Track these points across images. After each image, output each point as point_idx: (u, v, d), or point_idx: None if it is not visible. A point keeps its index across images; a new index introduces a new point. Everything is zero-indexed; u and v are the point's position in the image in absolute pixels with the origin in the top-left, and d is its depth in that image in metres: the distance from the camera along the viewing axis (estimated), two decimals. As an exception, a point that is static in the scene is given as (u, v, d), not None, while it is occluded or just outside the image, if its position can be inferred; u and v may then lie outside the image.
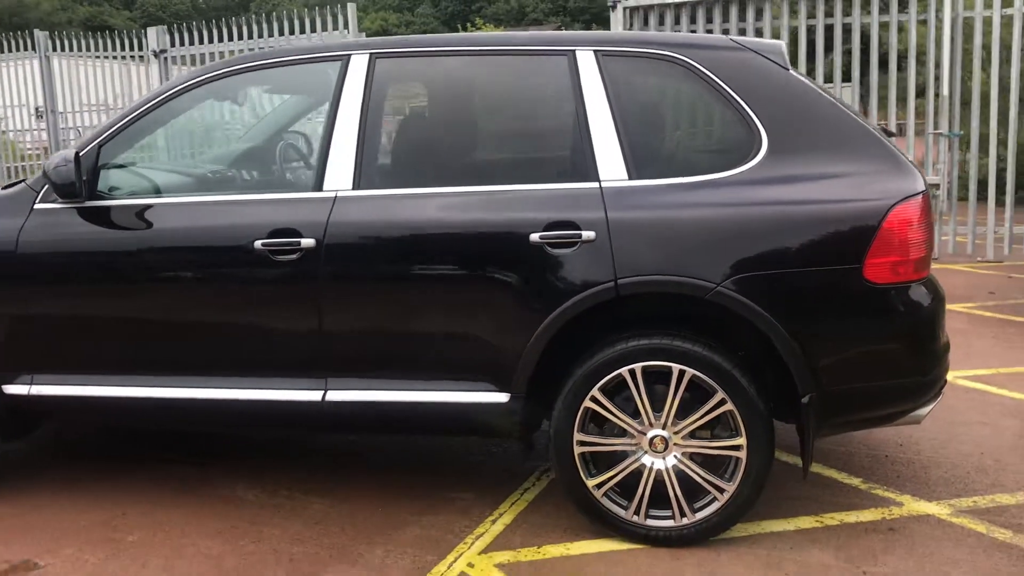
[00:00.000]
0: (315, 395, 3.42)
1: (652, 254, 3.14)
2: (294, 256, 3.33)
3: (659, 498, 3.26)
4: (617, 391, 3.23)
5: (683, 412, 3.20)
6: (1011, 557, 3.14)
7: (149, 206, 3.52)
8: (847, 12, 8.78)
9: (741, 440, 3.16)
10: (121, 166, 3.63)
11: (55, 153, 3.48)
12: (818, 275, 3.10)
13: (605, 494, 3.30)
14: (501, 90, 3.50)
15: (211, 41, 11.65)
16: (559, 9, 79.59)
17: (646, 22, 9.41)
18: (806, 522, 3.44)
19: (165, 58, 11.94)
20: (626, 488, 3.29)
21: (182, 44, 11.86)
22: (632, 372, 3.18)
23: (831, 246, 3.10)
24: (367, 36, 11.01)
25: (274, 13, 11.49)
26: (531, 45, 3.45)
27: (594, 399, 3.23)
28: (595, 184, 3.23)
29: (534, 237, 3.19)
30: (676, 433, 3.21)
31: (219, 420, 3.68)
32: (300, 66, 3.59)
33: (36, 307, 3.59)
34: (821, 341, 3.11)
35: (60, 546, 3.43)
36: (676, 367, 3.15)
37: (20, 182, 3.81)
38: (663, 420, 3.21)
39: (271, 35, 11.24)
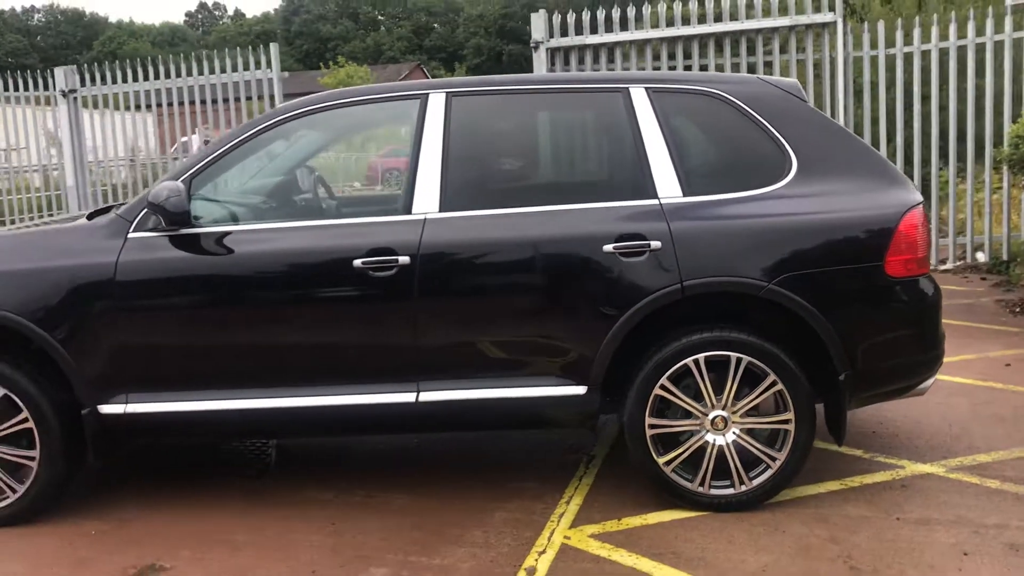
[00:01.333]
0: (409, 397, 3.79)
1: (711, 259, 3.69)
2: (391, 272, 3.72)
3: (719, 470, 3.78)
4: (681, 379, 3.75)
5: (739, 394, 3.73)
6: (1007, 500, 3.81)
7: (248, 231, 3.84)
8: (751, 52, 9.66)
9: (790, 415, 3.72)
10: (210, 196, 3.92)
11: (158, 184, 3.75)
12: (848, 272, 3.71)
13: (673, 469, 3.80)
14: (566, 122, 4.01)
15: (124, 80, 11.64)
16: (415, 48, 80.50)
17: (567, 62, 10.06)
18: (832, 485, 4.02)
19: (75, 98, 11.84)
20: (690, 463, 3.79)
21: (92, 84, 11.80)
22: (696, 361, 3.71)
23: (858, 248, 3.72)
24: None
25: (193, 54, 11.58)
26: (589, 83, 3.97)
27: (663, 387, 3.73)
28: (655, 201, 3.76)
29: (607, 248, 3.69)
30: (734, 412, 3.75)
31: (318, 427, 3.99)
32: (382, 103, 3.99)
33: (133, 330, 3.83)
34: (853, 327, 3.71)
35: (176, 549, 3.67)
36: (734, 355, 3.70)
37: (101, 211, 4.05)
38: (723, 402, 3.74)
39: (190, 74, 11.36)
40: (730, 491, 3.79)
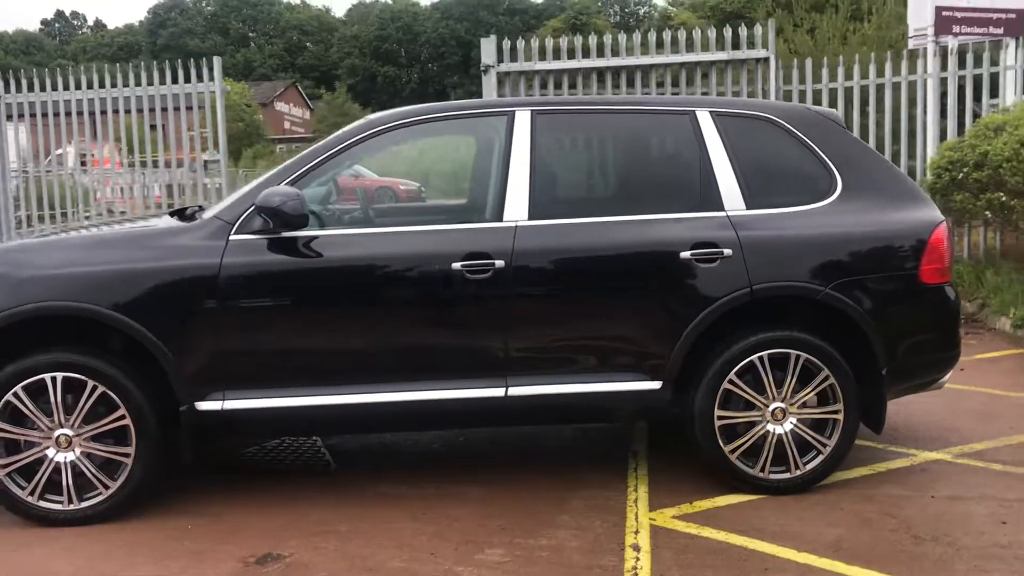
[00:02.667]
0: (499, 392, 4.07)
1: (776, 266, 4.13)
2: (486, 275, 4.00)
3: (776, 456, 4.21)
4: (744, 374, 4.16)
5: (796, 387, 4.17)
6: (1015, 479, 4.37)
7: (349, 235, 4.06)
8: (690, 83, 10.30)
9: (840, 406, 4.18)
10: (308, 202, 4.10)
11: (268, 190, 3.91)
12: (889, 279, 4.22)
13: (738, 457, 4.19)
14: (638, 139, 4.37)
15: (55, 89, 11.38)
16: (287, 66, 79.56)
17: (515, 87, 10.46)
18: (862, 471, 4.50)
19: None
20: (751, 450, 4.20)
21: (18, 91, 11.48)
22: (761, 358, 4.13)
23: (897, 257, 4.23)
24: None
25: (131, 62, 11.41)
26: (660, 106, 4.37)
27: (731, 381, 4.14)
28: (722, 213, 4.18)
29: (684, 255, 4.08)
30: (792, 404, 4.18)
31: (411, 422, 4.22)
32: (473, 119, 4.28)
33: (234, 329, 3.97)
34: (893, 327, 4.21)
35: (283, 540, 3.82)
36: (794, 352, 4.14)
37: (181, 212, 4.18)
38: (783, 395, 4.17)
39: (127, 84, 11.20)
40: (786, 475, 4.21)
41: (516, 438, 5.15)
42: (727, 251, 4.09)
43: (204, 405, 3.98)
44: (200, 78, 11.02)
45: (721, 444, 4.16)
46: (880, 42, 14.51)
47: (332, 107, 52.34)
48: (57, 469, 3.95)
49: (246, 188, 4.13)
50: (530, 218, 4.10)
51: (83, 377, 3.88)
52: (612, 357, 4.13)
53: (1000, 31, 10.46)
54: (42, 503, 3.95)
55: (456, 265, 3.99)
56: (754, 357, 4.13)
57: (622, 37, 10.18)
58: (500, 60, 10.34)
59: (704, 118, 4.30)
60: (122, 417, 3.92)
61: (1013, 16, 10.56)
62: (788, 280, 4.12)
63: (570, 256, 4.09)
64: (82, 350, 3.93)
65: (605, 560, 3.60)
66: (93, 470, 3.94)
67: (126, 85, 11.23)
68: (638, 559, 3.59)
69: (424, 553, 3.68)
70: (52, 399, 3.89)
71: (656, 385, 4.14)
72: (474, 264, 3.99)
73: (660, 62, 10.16)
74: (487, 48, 10.39)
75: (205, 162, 11.29)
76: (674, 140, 4.33)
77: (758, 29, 10.06)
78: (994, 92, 9.91)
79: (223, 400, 3.98)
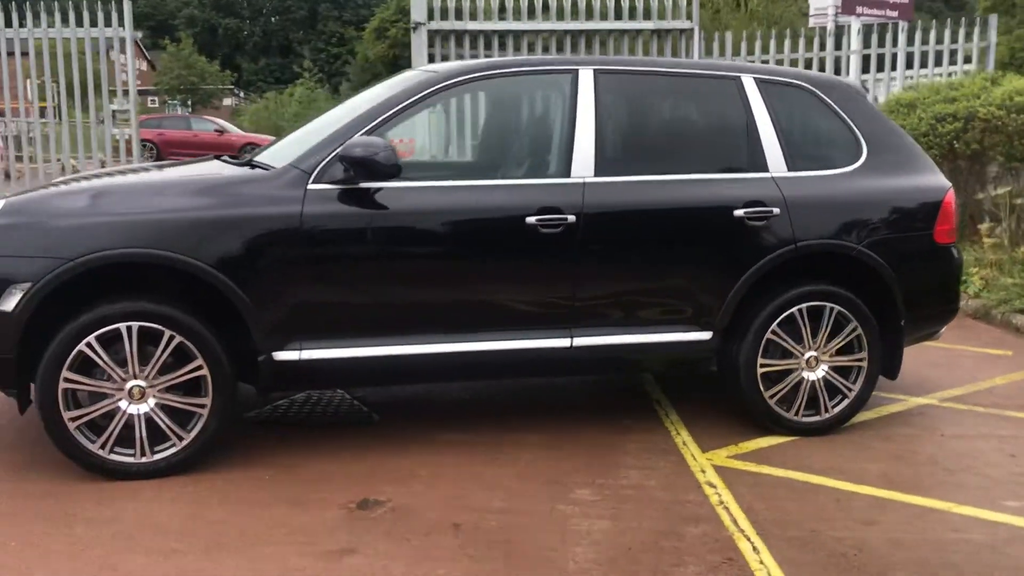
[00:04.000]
0: (564, 342, 4.25)
1: (817, 225, 4.46)
2: (557, 230, 4.15)
3: (809, 400, 4.56)
4: (783, 325, 4.48)
5: (827, 337, 4.53)
6: (1000, 420, 4.90)
7: (426, 188, 4.10)
8: (618, 50, 10.59)
9: (864, 355, 4.58)
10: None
11: (354, 140, 3.90)
12: (910, 238, 4.63)
13: (776, 401, 4.53)
14: (691, 102, 4.59)
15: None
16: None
17: (445, 45, 10.48)
18: (869, 415, 4.91)
19: None
20: (785, 397, 4.54)
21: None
22: (800, 310, 4.47)
23: (917, 218, 4.64)
24: None
25: (41, 3, 10.73)
26: (709, 70, 4.60)
27: (774, 332, 4.46)
28: (768, 174, 4.47)
29: (737, 212, 4.35)
30: (824, 353, 4.54)
31: (479, 371, 4.32)
32: (539, 75, 4.39)
33: (313, 278, 3.96)
34: (912, 282, 4.62)
35: (374, 485, 3.88)
36: (828, 305, 4.49)
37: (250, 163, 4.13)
38: (817, 345, 4.52)
39: (37, 24, 10.53)
40: (816, 418, 4.58)
41: (536, 391, 5.32)
42: (775, 210, 4.38)
43: (282, 355, 3.96)
44: (108, 22, 10.46)
45: (762, 390, 4.47)
46: (768, 18, 15.25)
47: (178, 59, 50.00)
48: (129, 421, 3.84)
49: (320, 138, 4.09)
50: (596, 175, 4.26)
51: (160, 327, 3.79)
52: (668, 309, 4.36)
53: (895, 14, 11.27)
54: (113, 456, 3.85)
55: (530, 219, 4.11)
56: (794, 309, 4.45)
57: (553, 1, 10.35)
58: (431, 17, 10.30)
59: (749, 83, 4.56)
60: (199, 368, 3.85)
61: (904, 1, 11.38)
62: (828, 238, 4.46)
63: (634, 212, 4.28)
64: (158, 299, 3.83)
65: (690, 496, 3.85)
66: (168, 422, 3.86)
67: (22, 26, 10.53)
68: (719, 494, 3.86)
69: (517, 494, 3.83)
70: (128, 349, 3.78)
71: (707, 336, 4.40)
72: (547, 218, 4.12)
73: (591, 28, 10.40)
74: (417, 4, 10.34)
75: (113, 112, 10.74)
76: (722, 104, 4.56)
77: (683, 0, 10.44)
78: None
79: (300, 350, 3.97)
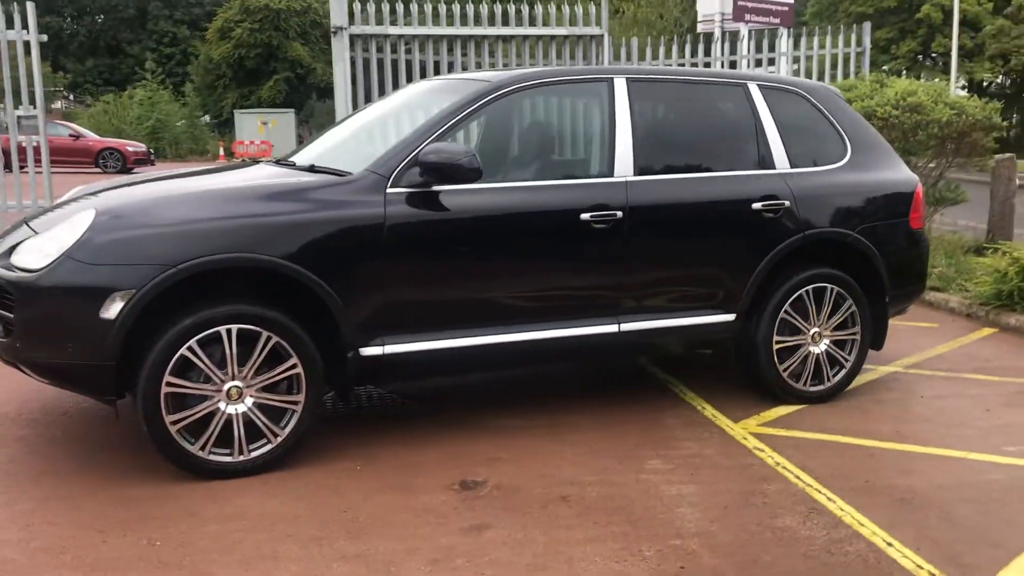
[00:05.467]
0: (613, 328, 4.63)
1: (820, 215, 5.01)
2: (607, 224, 4.53)
3: (814, 372, 5.12)
4: (792, 305, 5.01)
5: (828, 314, 5.10)
6: (963, 382, 5.60)
7: (496, 188, 4.39)
8: (532, 56, 11.01)
9: (857, 329, 5.17)
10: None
11: (435, 146, 4.15)
12: (891, 224, 5.25)
13: (788, 375, 5.06)
14: (708, 106, 5.04)
15: None
16: None
17: (365, 49, 10.63)
18: (855, 383, 5.47)
19: None
20: (795, 370, 5.08)
21: None
22: (807, 291, 5.02)
23: (896, 207, 5.27)
24: None
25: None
26: (719, 77, 5.09)
27: (787, 311, 4.99)
28: (775, 171, 5.00)
29: (756, 205, 4.86)
30: (826, 329, 5.11)
31: (540, 358, 4.63)
32: (579, 84, 4.75)
33: (394, 277, 4.19)
34: (893, 262, 5.24)
35: (467, 468, 4.14)
36: (829, 287, 5.06)
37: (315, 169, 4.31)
38: (821, 322, 5.08)
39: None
40: (820, 387, 5.14)
41: (554, 379, 5.67)
42: (786, 202, 4.90)
43: (368, 351, 4.16)
44: (11, 24, 10.05)
45: (777, 365, 4.99)
46: (643, 24, 16.07)
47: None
48: (228, 422, 3.96)
49: (395, 144, 4.30)
50: (635, 174, 4.66)
51: (258, 328, 3.93)
52: (700, 294, 4.81)
53: (778, 21, 12.19)
54: (212, 457, 3.96)
55: (584, 215, 4.47)
56: (802, 291, 4.98)
57: (470, 8, 10.66)
58: (351, 21, 10.42)
59: (754, 89, 5.07)
60: (294, 366, 4.01)
61: (786, 8, 12.33)
62: (829, 226, 5.02)
63: (670, 207, 4.71)
64: (255, 302, 3.97)
65: (748, 460, 4.31)
66: (265, 420, 4.00)
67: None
68: (772, 457, 4.33)
69: (600, 469, 4.17)
70: (227, 351, 3.90)
71: (731, 317, 4.88)
72: (599, 215, 4.49)
73: (508, 33, 10.77)
74: (337, 8, 10.43)
75: (19, 118, 10.30)
76: (734, 107, 5.05)
77: (592, 8, 10.97)
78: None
79: (383, 345, 4.19)
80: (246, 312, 3.92)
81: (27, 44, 10.07)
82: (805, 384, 5.08)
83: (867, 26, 11.52)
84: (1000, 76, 30.54)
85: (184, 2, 63.88)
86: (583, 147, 4.87)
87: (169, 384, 3.83)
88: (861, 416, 4.95)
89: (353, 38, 10.40)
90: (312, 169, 4.53)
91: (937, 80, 10.06)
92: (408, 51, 10.64)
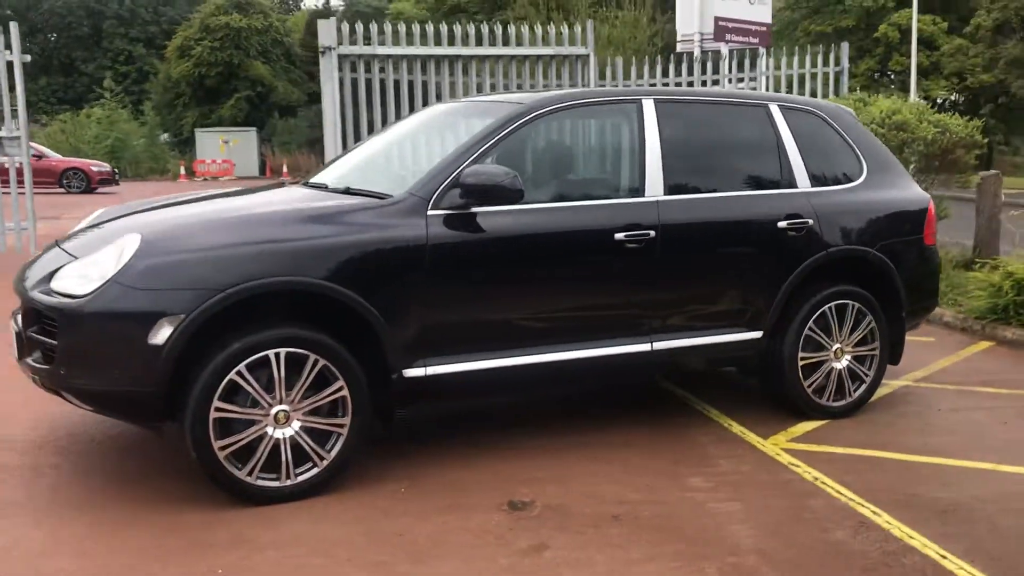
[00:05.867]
0: (646, 347, 4.68)
1: (841, 233, 5.10)
2: (640, 244, 4.58)
3: (837, 388, 5.20)
4: (816, 322, 5.10)
5: (850, 330, 5.19)
6: (975, 395, 5.72)
7: (534, 209, 4.41)
8: (519, 75, 11.09)
9: (877, 344, 5.27)
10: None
11: (474, 168, 4.17)
12: (907, 242, 5.36)
13: (812, 391, 5.13)
14: (729, 126, 5.12)
15: None
16: None
17: (354, 69, 10.64)
18: (882, 391, 5.57)
19: None
20: (819, 385, 5.15)
21: None
22: (830, 308, 5.10)
23: (911, 224, 5.38)
24: None
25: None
26: (742, 99, 5.18)
27: (811, 328, 5.06)
28: (797, 190, 5.09)
29: (781, 224, 4.94)
30: (848, 345, 5.20)
31: (576, 378, 4.66)
32: (609, 104, 4.80)
33: (436, 299, 4.19)
34: (910, 279, 5.35)
35: (512, 488, 4.13)
36: (851, 303, 5.16)
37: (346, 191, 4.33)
38: (843, 338, 5.17)
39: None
40: (843, 402, 5.22)
41: (576, 398, 5.69)
42: (809, 221, 4.99)
43: (410, 372, 4.16)
44: None
45: (802, 381, 5.06)
46: (617, 44, 16.23)
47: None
48: (275, 446, 3.93)
49: (434, 166, 4.32)
50: (665, 193, 4.71)
51: (305, 351, 3.91)
52: (728, 312, 4.87)
53: (756, 41, 12.40)
54: (260, 481, 3.92)
55: (618, 235, 4.51)
56: (825, 307, 5.07)
57: (457, 29, 10.73)
58: (340, 42, 10.43)
59: (775, 110, 5.16)
60: (340, 389, 4.00)
61: (764, 29, 12.55)
62: (851, 244, 5.11)
63: (700, 226, 4.77)
64: (303, 325, 3.95)
65: (787, 476, 4.36)
66: (312, 444, 3.98)
67: None
68: (809, 472, 4.39)
69: (642, 487, 4.20)
70: (275, 375, 3.88)
71: (759, 335, 4.94)
72: (633, 234, 4.54)
73: (495, 53, 10.85)
74: (326, 29, 10.45)
75: (1, 139, 10.14)
76: (757, 128, 5.13)
77: (578, 29, 11.08)
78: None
79: (425, 367, 4.19)
80: (295, 335, 3.90)
81: (9, 64, 9.87)
82: (828, 399, 5.15)
83: (845, 46, 11.78)
84: (954, 94, 31.25)
85: (140, 20, 63.27)
86: (614, 167, 4.92)
87: (218, 409, 3.80)
88: (886, 430, 5.03)
89: (341, 58, 10.37)
90: (348, 191, 4.52)
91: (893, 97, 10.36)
92: (396, 71, 10.65)
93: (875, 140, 5.57)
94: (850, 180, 5.29)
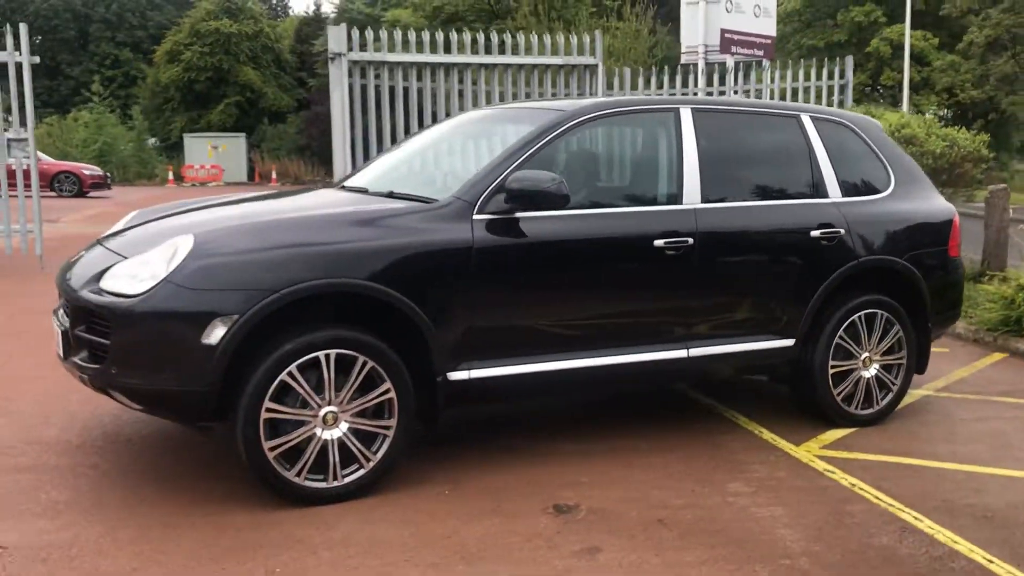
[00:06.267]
0: (683, 353, 4.72)
1: (871, 243, 5.16)
2: (678, 252, 4.63)
3: (865, 397, 5.25)
4: (846, 330, 5.15)
5: (878, 339, 5.25)
6: (992, 404, 5.79)
7: (577, 215, 4.45)
8: (528, 84, 11.15)
9: (904, 353, 5.33)
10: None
11: (521, 174, 4.20)
12: (934, 252, 5.43)
13: (841, 399, 5.18)
14: (766, 136, 5.17)
15: None
16: None
17: (363, 75, 10.66)
18: (903, 401, 5.62)
19: None
20: (848, 394, 5.20)
21: None
22: (860, 317, 5.16)
23: (937, 235, 5.45)
24: None
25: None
26: (775, 109, 5.24)
27: (841, 337, 5.12)
28: (828, 200, 5.15)
29: (814, 233, 5.00)
30: (876, 354, 5.26)
31: (615, 382, 4.69)
32: (648, 113, 4.85)
33: (481, 302, 4.23)
34: (936, 289, 5.42)
35: (555, 492, 4.16)
36: (880, 312, 5.22)
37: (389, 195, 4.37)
38: (871, 347, 5.23)
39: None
40: (870, 411, 5.27)
41: (599, 404, 5.72)
42: (841, 230, 5.05)
43: (455, 375, 4.19)
44: (3, 46, 9.89)
45: (832, 389, 5.12)
46: (619, 55, 16.33)
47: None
48: (323, 447, 3.94)
49: (479, 172, 4.35)
50: (703, 202, 4.76)
51: (355, 353, 3.93)
52: (762, 319, 4.92)
53: (761, 53, 12.51)
54: (308, 483, 3.93)
55: (658, 242, 4.56)
56: (855, 316, 5.13)
57: (467, 37, 10.79)
58: (350, 48, 10.46)
59: (807, 120, 5.23)
60: (387, 391, 4.02)
61: (768, 41, 12.66)
62: (880, 254, 5.17)
63: (736, 234, 4.83)
64: (353, 327, 3.97)
65: (822, 482, 4.41)
66: (359, 445, 4.00)
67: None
68: (846, 479, 4.44)
69: (684, 492, 4.23)
70: (325, 376, 3.90)
71: (791, 342, 4.99)
72: (672, 241, 4.58)
73: (503, 62, 10.90)
74: (336, 35, 10.47)
75: (9, 141, 10.09)
76: (789, 138, 5.19)
77: (587, 39, 11.16)
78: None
79: (469, 369, 4.22)
80: (345, 337, 3.92)
81: (19, 65, 9.84)
82: (857, 408, 5.21)
83: (849, 59, 11.91)
84: (944, 109, 31.59)
85: (127, 24, 63.08)
86: (652, 175, 4.95)
87: (268, 410, 3.81)
88: (913, 438, 5.08)
89: (352, 64, 10.40)
90: (392, 195, 4.54)
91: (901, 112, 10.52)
92: (406, 78, 10.68)
93: (902, 152, 5.64)
94: (878, 191, 5.35)
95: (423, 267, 4.07)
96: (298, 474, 3.90)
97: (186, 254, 3.79)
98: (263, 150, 40.77)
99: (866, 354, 5.19)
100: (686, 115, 4.85)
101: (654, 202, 4.81)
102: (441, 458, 4.56)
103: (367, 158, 10.29)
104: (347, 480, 4.00)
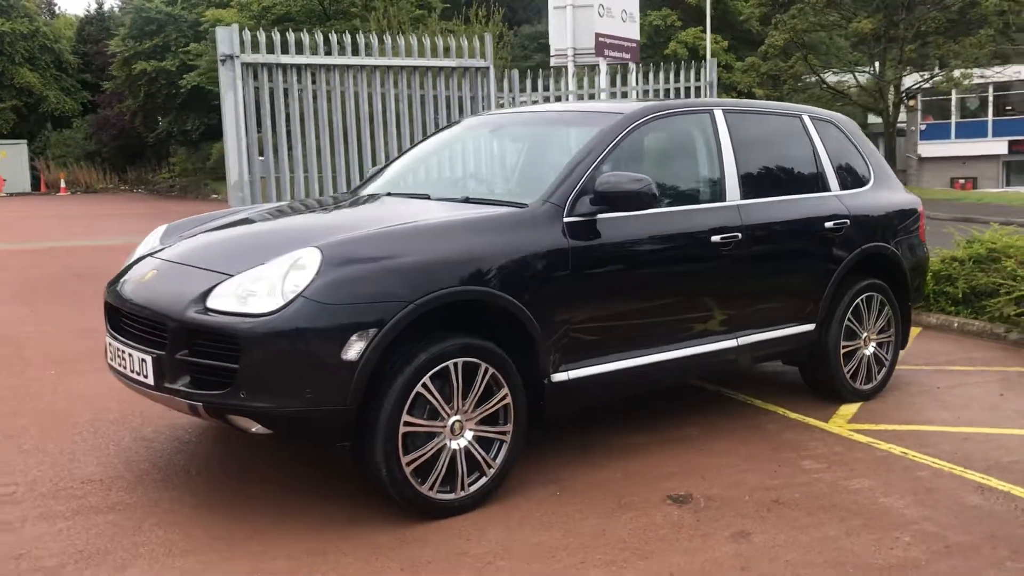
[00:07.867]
0: (733, 342, 4.99)
1: (868, 232, 5.62)
2: (730, 246, 4.89)
3: (867, 373, 5.72)
4: (852, 313, 5.59)
5: (875, 319, 5.73)
6: (961, 374, 6.41)
7: (651, 215, 4.57)
8: (422, 86, 11.11)
9: (893, 331, 5.84)
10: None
11: (611, 175, 4.29)
12: (909, 238, 5.97)
13: (849, 377, 5.62)
14: (780, 135, 5.49)
15: None
16: None
17: (255, 77, 10.28)
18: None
19: None
20: (854, 371, 5.65)
21: None
22: (862, 300, 5.61)
23: (911, 222, 6.00)
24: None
25: None
26: (784, 110, 5.59)
27: (849, 319, 5.55)
28: (831, 193, 5.57)
29: (828, 224, 5.39)
30: (873, 333, 5.73)
31: (685, 373, 4.90)
32: (689, 115, 5.05)
33: (578, 303, 4.30)
34: (913, 269, 5.97)
35: (658, 484, 4.29)
36: (876, 295, 5.70)
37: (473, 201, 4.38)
38: (870, 326, 5.70)
39: None
40: (871, 385, 5.74)
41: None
42: (847, 221, 5.47)
43: (557, 376, 4.23)
44: None
45: (843, 367, 5.53)
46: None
47: None
48: (452, 458, 3.90)
49: (560, 175, 4.39)
50: (742, 198, 5.04)
51: (477, 360, 3.92)
52: (793, 307, 5.25)
53: (628, 57, 13.04)
54: (439, 496, 3.88)
55: (715, 238, 4.79)
56: (859, 300, 5.57)
57: (360, 39, 10.63)
58: (242, 50, 10.05)
59: (808, 120, 5.62)
60: (505, 397, 4.02)
61: (634, 46, 13.23)
62: (876, 241, 5.64)
63: (772, 226, 5.12)
64: (476, 335, 3.95)
65: (876, 453, 4.77)
66: (483, 453, 3.98)
67: None
68: (893, 448, 4.83)
69: (772, 473, 4.46)
70: (453, 385, 3.85)
71: (812, 327, 5.36)
72: (727, 236, 4.83)
73: (398, 64, 10.81)
74: (225, 37, 10.03)
75: None
76: (797, 136, 5.55)
77: (477, 42, 11.25)
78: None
79: (567, 371, 4.28)
80: (471, 345, 3.89)
81: None
82: (861, 383, 5.65)
83: (712, 61, 12.60)
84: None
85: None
86: (698, 174, 5.15)
87: (406, 423, 3.72)
88: (916, 408, 5.58)
89: (246, 66, 10.00)
90: (467, 200, 4.52)
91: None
92: (300, 81, 10.39)
93: (874, 148, 6.15)
94: (863, 184, 5.81)
95: (532, 272, 4.09)
96: (431, 487, 3.83)
97: (316, 268, 3.63)
98: (48, 157, 37.99)
99: (866, 334, 5.64)
100: (719, 116, 5.10)
101: (706, 199, 5.02)
102: (538, 460, 4.57)
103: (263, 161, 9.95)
104: (472, 490, 3.96)
